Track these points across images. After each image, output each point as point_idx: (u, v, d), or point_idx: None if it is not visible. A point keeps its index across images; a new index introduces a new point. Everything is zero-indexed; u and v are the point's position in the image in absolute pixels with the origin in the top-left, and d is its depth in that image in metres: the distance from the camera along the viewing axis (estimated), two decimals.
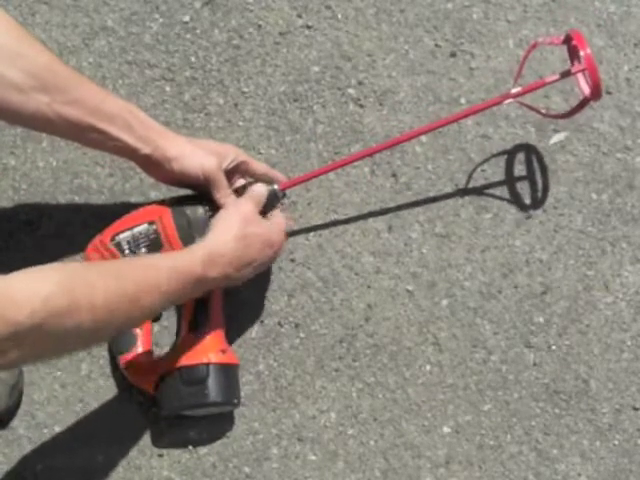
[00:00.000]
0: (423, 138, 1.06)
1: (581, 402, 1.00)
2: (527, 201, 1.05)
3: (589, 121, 1.07)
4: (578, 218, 1.05)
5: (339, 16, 1.10)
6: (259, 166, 0.97)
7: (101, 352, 1.00)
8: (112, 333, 0.79)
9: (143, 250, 0.91)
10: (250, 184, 0.95)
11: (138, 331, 0.94)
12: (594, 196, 1.05)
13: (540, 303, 1.02)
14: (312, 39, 1.09)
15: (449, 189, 1.05)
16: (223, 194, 0.91)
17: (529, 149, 1.06)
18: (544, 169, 1.06)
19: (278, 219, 0.94)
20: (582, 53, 0.92)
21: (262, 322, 1.01)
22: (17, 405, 0.98)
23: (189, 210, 0.92)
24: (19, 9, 1.09)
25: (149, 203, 0.96)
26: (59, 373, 1.00)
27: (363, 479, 0.98)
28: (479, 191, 1.05)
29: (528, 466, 0.99)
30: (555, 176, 1.06)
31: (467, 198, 1.05)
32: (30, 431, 0.98)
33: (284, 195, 0.98)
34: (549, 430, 0.99)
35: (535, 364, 1.01)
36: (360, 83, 1.08)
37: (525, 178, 1.06)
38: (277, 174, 0.99)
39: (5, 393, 0.94)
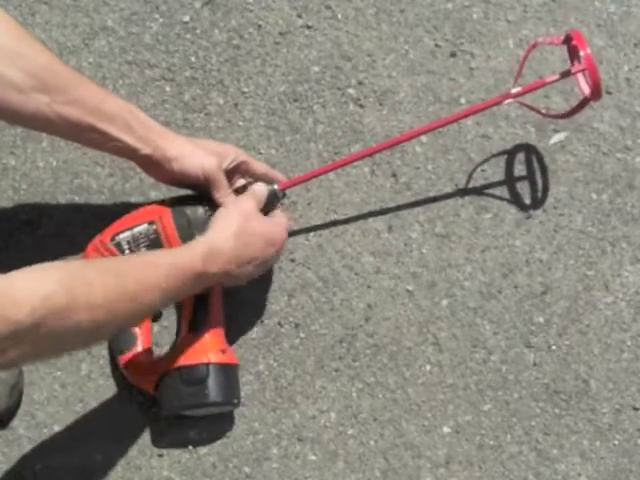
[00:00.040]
0: (423, 138, 1.06)
1: (581, 402, 1.00)
2: (527, 201, 1.05)
3: (589, 121, 1.07)
4: (578, 218, 1.05)
5: (339, 16, 1.10)
6: (259, 166, 0.97)
7: (101, 352, 1.00)
8: (112, 331, 0.79)
9: (143, 250, 0.91)
10: (250, 184, 0.95)
11: (138, 331, 0.94)
12: (594, 196, 1.05)
13: (540, 303, 1.02)
14: (312, 39, 1.09)
15: (449, 189, 1.05)
16: (223, 194, 0.91)
17: (529, 149, 1.06)
18: (544, 169, 1.06)
19: (280, 218, 0.94)
20: (582, 53, 0.92)
21: (262, 322, 1.01)
22: (17, 405, 0.98)
23: (189, 210, 0.92)
24: (19, 9, 1.09)
25: (149, 203, 0.96)
26: (59, 373, 1.00)
27: (363, 479, 0.98)
28: (479, 191, 1.05)
29: (528, 466, 0.99)
30: (555, 176, 1.06)
31: (467, 198, 1.05)
32: (30, 431, 0.98)
33: (284, 195, 0.98)
34: (549, 430, 0.99)
35: (535, 364, 1.01)
36: (360, 83, 1.08)
37: (525, 178, 1.06)
38: (277, 174, 0.99)
39: (5, 393, 0.94)
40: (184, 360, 0.91)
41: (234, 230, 0.88)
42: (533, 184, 1.06)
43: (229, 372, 0.94)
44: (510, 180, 1.06)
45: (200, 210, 0.92)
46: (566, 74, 0.95)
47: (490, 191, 1.05)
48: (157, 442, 0.98)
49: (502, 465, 0.99)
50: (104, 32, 1.09)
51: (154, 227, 0.92)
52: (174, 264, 0.81)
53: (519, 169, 1.06)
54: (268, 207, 0.94)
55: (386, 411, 0.99)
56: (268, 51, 1.09)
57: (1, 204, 1.04)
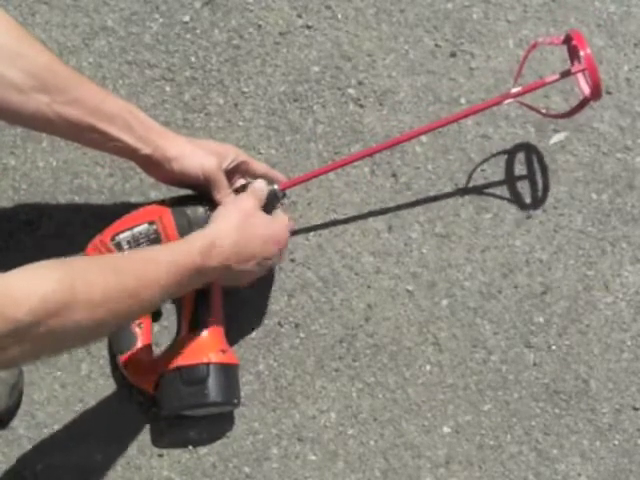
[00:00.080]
0: (423, 138, 1.06)
1: (581, 402, 1.00)
2: (527, 200, 1.05)
3: (589, 121, 1.07)
4: (578, 218, 1.05)
5: (339, 16, 1.10)
6: (259, 166, 0.97)
7: (101, 352, 1.00)
8: (112, 328, 0.78)
9: None
10: (250, 184, 0.95)
11: (138, 330, 0.94)
12: (594, 196, 1.05)
13: (540, 303, 1.02)
14: (312, 39, 1.09)
15: (449, 189, 1.05)
16: (223, 194, 0.91)
17: (529, 149, 1.06)
18: (544, 168, 1.06)
19: (281, 217, 0.94)
20: (582, 53, 0.92)
21: (262, 322, 1.01)
22: (17, 405, 0.98)
23: (189, 210, 0.92)
24: (19, 9, 1.09)
25: (149, 203, 0.96)
26: (59, 373, 1.00)
27: (363, 479, 0.98)
28: (479, 191, 1.05)
29: (528, 466, 0.99)
30: (555, 176, 1.06)
31: (467, 198, 1.05)
32: (30, 431, 0.98)
33: (284, 195, 0.98)
34: (549, 430, 0.99)
35: (535, 364, 1.01)
36: (360, 83, 1.08)
37: (525, 177, 1.06)
38: (277, 174, 0.99)
39: (5, 393, 0.94)
40: (184, 360, 0.91)
41: (234, 224, 0.87)
42: (533, 184, 1.06)
43: (229, 372, 0.94)
44: (510, 180, 1.06)
45: (200, 210, 0.92)
46: (566, 74, 0.95)
47: (490, 191, 1.05)
48: (157, 442, 0.98)
49: (502, 465, 0.99)
50: (104, 32, 1.09)
51: (154, 227, 0.92)
52: (173, 259, 0.80)
53: (519, 169, 1.06)
54: (268, 207, 0.94)
55: (386, 411, 0.99)
56: (268, 51, 1.09)
57: (1, 204, 1.04)
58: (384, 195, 1.05)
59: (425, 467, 0.98)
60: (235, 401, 0.94)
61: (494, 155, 1.06)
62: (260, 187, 0.94)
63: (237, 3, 1.10)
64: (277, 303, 1.02)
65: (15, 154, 1.05)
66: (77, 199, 1.04)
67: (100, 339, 0.93)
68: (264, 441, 0.98)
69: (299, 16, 1.10)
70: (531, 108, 1.02)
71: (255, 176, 0.97)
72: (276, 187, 0.96)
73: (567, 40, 0.96)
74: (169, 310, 1.01)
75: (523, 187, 1.06)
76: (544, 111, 1.04)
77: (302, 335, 1.01)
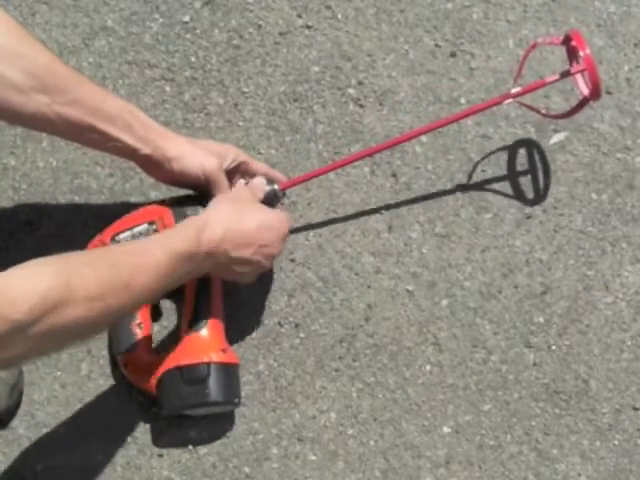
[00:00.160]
0: (423, 138, 1.06)
1: (581, 402, 1.00)
2: (529, 196, 1.05)
3: (589, 121, 1.07)
4: (578, 218, 1.05)
5: (339, 16, 1.10)
6: (259, 166, 0.97)
7: (101, 352, 1.00)
8: (112, 320, 0.78)
9: None
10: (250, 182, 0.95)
11: (138, 330, 0.94)
12: (594, 196, 1.05)
13: (540, 303, 1.02)
14: (312, 39, 1.09)
15: (449, 189, 1.05)
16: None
17: (530, 144, 1.06)
18: (545, 163, 1.06)
19: (280, 210, 0.95)
20: (581, 53, 0.92)
21: (262, 322, 1.01)
22: (17, 405, 0.98)
23: (189, 210, 0.92)
24: (19, 9, 1.09)
25: (149, 203, 0.96)
26: (59, 373, 1.00)
27: (363, 479, 0.98)
28: (479, 191, 1.05)
29: (528, 466, 0.99)
30: (555, 176, 1.06)
31: (467, 198, 1.05)
32: (30, 431, 0.98)
33: (284, 195, 0.98)
34: (549, 430, 0.99)
35: (535, 364, 1.01)
36: (360, 83, 1.08)
37: (526, 173, 1.06)
38: (277, 174, 0.99)
39: (5, 393, 0.94)
40: (185, 359, 0.91)
41: (226, 210, 0.87)
42: (534, 179, 1.06)
43: (230, 371, 0.94)
44: (511, 176, 1.06)
45: (200, 210, 0.92)
46: (566, 74, 0.95)
47: (490, 191, 1.05)
48: (157, 442, 0.98)
49: (502, 465, 0.99)
50: (104, 32, 1.09)
51: (154, 227, 0.92)
52: (167, 247, 0.80)
53: (519, 166, 1.06)
54: (268, 207, 0.94)
55: (386, 411, 0.99)
56: (268, 51, 1.09)
57: (1, 204, 1.04)
58: (384, 195, 1.05)
59: (425, 467, 0.98)
60: (236, 400, 0.94)
61: (494, 152, 1.06)
62: (259, 183, 0.94)
63: (237, 3, 1.10)
64: (277, 303, 1.02)
65: (15, 154, 1.05)
66: (77, 199, 1.04)
67: (101, 332, 0.91)
68: (264, 441, 0.98)
69: (299, 16, 1.10)
70: (531, 108, 1.02)
71: (255, 176, 0.97)
72: (276, 187, 0.96)
73: (566, 40, 0.96)
74: (169, 310, 1.01)
75: (524, 185, 1.06)
76: (544, 111, 1.04)
77: (302, 335, 1.01)
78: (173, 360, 0.92)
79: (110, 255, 0.78)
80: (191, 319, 0.94)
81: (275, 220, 0.91)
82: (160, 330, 1.00)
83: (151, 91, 1.07)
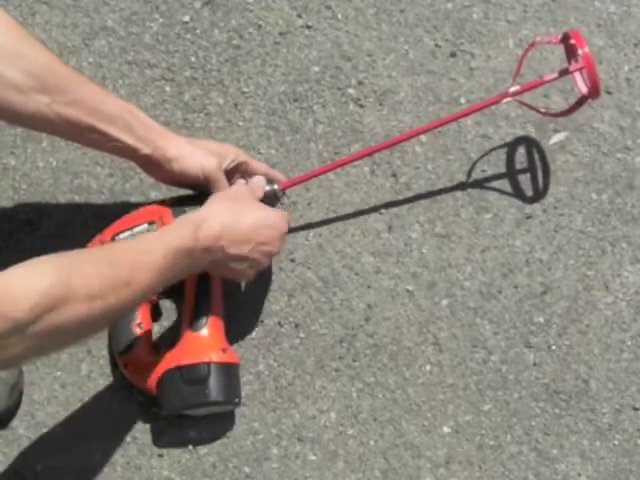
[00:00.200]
0: (423, 138, 1.06)
1: (581, 402, 1.00)
2: (529, 194, 1.05)
3: (589, 121, 1.07)
4: (578, 218, 1.05)
5: (339, 16, 1.10)
6: (259, 166, 0.97)
7: (101, 352, 1.00)
8: (112, 318, 0.77)
9: None
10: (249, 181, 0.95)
11: (138, 331, 0.94)
12: (594, 196, 1.05)
13: (540, 303, 1.02)
14: (312, 39, 1.09)
15: (449, 189, 1.05)
16: None
17: (529, 142, 1.06)
18: (544, 160, 1.06)
19: (279, 210, 0.95)
20: (580, 51, 0.92)
21: (262, 322, 1.01)
22: (17, 405, 0.98)
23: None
24: (19, 9, 1.09)
25: (149, 203, 0.96)
26: (59, 373, 1.00)
27: (363, 479, 0.98)
28: (479, 191, 1.05)
29: (528, 466, 0.99)
30: (555, 176, 1.06)
31: (467, 198, 1.05)
32: (30, 431, 0.98)
33: (284, 195, 0.98)
34: (549, 430, 0.99)
35: (535, 364, 1.01)
36: (360, 83, 1.08)
37: (525, 171, 1.06)
38: (277, 174, 0.99)
39: (5, 393, 0.94)
40: (185, 359, 0.91)
41: (223, 206, 0.87)
42: (534, 177, 1.06)
43: (230, 371, 0.94)
44: (511, 174, 1.06)
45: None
46: (564, 72, 0.95)
47: (490, 191, 1.05)
48: (157, 442, 0.98)
49: (502, 465, 0.99)
50: (104, 32, 1.09)
51: (154, 227, 0.92)
52: (166, 244, 0.80)
53: (519, 164, 1.06)
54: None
55: (386, 411, 0.99)
56: (268, 51, 1.09)
57: (1, 204, 1.04)
58: (384, 195, 1.05)
59: (425, 467, 0.98)
60: (236, 400, 0.94)
61: (494, 149, 1.06)
62: (259, 182, 0.94)
63: (237, 3, 1.10)
64: (277, 303, 1.02)
65: (15, 154, 1.05)
66: (77, 199, 1.04)
67: (101, 330, 0.91)
68: (264, 441, 0.98)
69: (299, 16, 1.10)
70: (530, 107, 1.02)
71: (255, 176, 0.97)
72: (276, 187, 0.96)
73: (565, 39, 0.96)
74: (169, 310, 1.01)
75: (523, 183, 1.06)
76: (543, 110, 1.04)
77: (302, 335, 1.01)
78: (173, 360, 0.92)
79: (110, 253, 0.78)
80: (191, 318, 0.94)
81: (273, 218, 0.91)
82: (160, 330, 1.00)
83: (151, 91, 1.07)
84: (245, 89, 1.08)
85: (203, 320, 0.93)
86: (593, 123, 1.07)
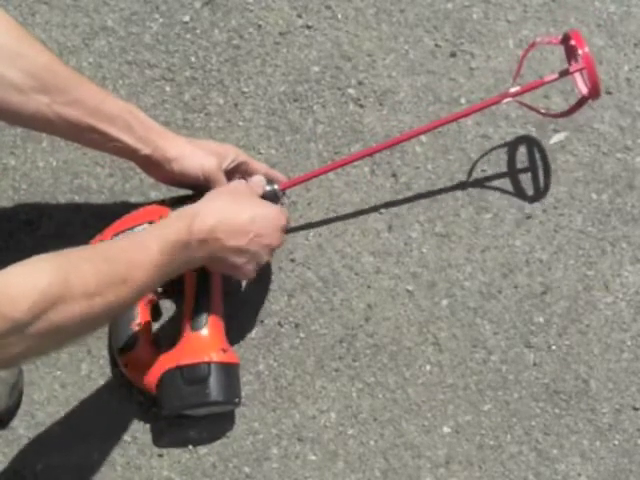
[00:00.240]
0: (423, 138, 1.06)
1: (581, 402, 1.00)
2: (529, 193, 1.05)
3: (589, 121, 1.07)
4: (578, 218, 1.05)
5: (339, 16, 1.10)
6: (259, 166, 0.97)
7: (101, 352, 1.00)
8: (111, 314, 0.77)
9: None
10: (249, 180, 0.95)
11: (138, 330, 0.94)
12: (594, 196, 1.05)
13: (540, 303, 1.02)
14: (312, 39, 1.09)
15: (449, 189, 1.05)
16: None
17: (529, 141, 1.06)
18: (545, 158, 1.06)
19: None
20: (580, 52, 0.92)
21: (262, 322, 1.01)
22: (17, 405, 0.98)
23: None
24: (19, 9, 1.09)
25: (149, 203, 0.97)
26: (59, 373, 1.00)
27: (363, 479, 0.98)
28: (479, 191, 1.05)
29: (528, 466, 0.99)
30: (555, 176, 1.06)
31: (467, 198, 1.05)
32: (30, 431, 0.98)
33: (284, 195, 0.98)
34: (549, 430, 0.99)
35: (535, 364, 1.01)
36: (360, 83, 1.08)
37: (526, 170, 1.06)
38: (277, 174, 0.99)
39: (5, 393, 0.94)
40: (185, 359, 0.91)
41: (223, 200, 0.87)
42: (534, 176, 1.06)
43: (230, 371, 0.94)
44: (511, 173, 1.06)
45: None
46: (565, 73, 0.95)
47: (490, 191, 1.05)
48: (157, 442, 0.98)
49: (502, 465, 0.99)
50: (104, 32, 1.09)
51: None
52: (162, 238, 0.80)
53: (519, 163, 1.06)
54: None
55: (386, 411, 0.99)
56: (268, 51, 1.09)
57: (1, 204, 1.04)
58: (384, 195, 1.05)
59: (425, 467, 0.98)
60: (236, 400, 0.94)
61: (494, 148, 1.06)
62: (258, 182, 0.94)
63: (237, 3, 1.10)
64: (277, 303, 1.02)
65: (15, 154, 1.05)
66: (77, 199, 1.04)
67: (101, 327, 0.91)
68: (264, 441, 0.98)
69: (299, 16, 1.10)
70: (530, 107, 1.02)
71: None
72: (276, 187, 0.96)
73: (565, 39, 0.96)
74: (169, 310, 1.01)
75: (524, 182, 1.06)
76: (543, 110, 1.04)
77: (302, 335, 1.01)
78: (173, 360, 0.92)
79: (107, 250, 0.78)
80: (191, 317, 0.94)
81: (271, 210, 0.91)
82: (160, 329, 1.00)
83: (151, 91, 1.07)
84: (245, 89, 1.08)
85: (203, 320, 0.93)
86: (593, 123, 1.07)
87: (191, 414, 0.95)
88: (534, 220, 1.04)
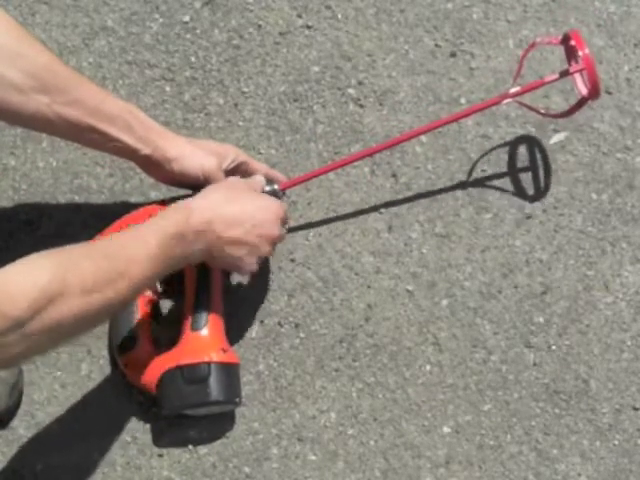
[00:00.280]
0: (423, 138, 1.06)
1: (581, 402, 1.00)
2: (530, 192, 1.05)
3: (589, 121, 1.07)
4: (578, 218, 1.05)
5: (339, 16, 1.10)
6: (259, 166, 0.97)
7: (101, 352, 1.00)
8: (111, 310, 0.77)
9: None
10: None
11: (138, 330, 0.94)
12: (594, 196, 1.05)
13: (540, 303, 1.02)
14: (312, 39, 1.09)
15: (449, 189, 1.05)
16: None
17: (529, 141, 1.06)
18: (545, 158, 1.06)
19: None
20: (580, 53, 0.92)
21: (262, 322, 1.01)
22: (17, 405, 0.98)
23: None
24: (19, 9, 1.09)
25: (149, 203, 0.97)
26: (59, 373, 1.00)
27: (363, 479, 0.98)
28: (479, 191, 1.05)
29: (528, 466, 0.99)
30: (555, 176, 1.06)
31: (467, 198, 1.05)
32: (30, 431, 0.98)
33: (284, 195, 0.98)
34: (549, 430, 0.99)
35: (535, 364, 1.01)
36: (360, 83, 1.08)
37: (526, 170, 1.06)
38: (277, 174, 0.99)
39: (5, 393, 0.94)
40: (185, 359, 0.91)
41: (220, 193, 0.87)
42: (535, 175, 1.06)
43: (230, 371, 0.94)
44: (511, 173, 1.06)
45: None
46: (565, 74, 0.95)
47: (490, 191, 1.05)
48: (157, 442, 0.98)
49: (502, 465, 0.99)
50: (104, 32, 1.09)
51: None
52: (159, 231, 0.80)
53: (520, 163, 1.06)
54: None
55: (386, 411, 0.99)
56: (268, 51, 1.09)
57: (1, 204, 1.04)
58: (384, 195, 1.05)
59: (425, 467, 0.98)
60: (236, 400, 0.94)
61: (494, 148, 1.06)
62: (258, 181, 0.94)
63: (237, 3, 1.10)
64: (277, 303, 1.02)
65: (15, 154, 1.05)
66: (77, 199, 1.04)
67: (101, 323, 0.91)
68: (264, 441, 0.98)
69: (299, 16, 1.10)
70: (530, 108, 1.02)
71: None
72: (276, 187, 0.96)
73: (565, 40, 0.96)
74: (169, 309, 1.01)
75: (524, 182, 1.06)
76: (543, 111, 1.04)
77: (302, 335, 1.01)
78: (173, 360, 0.92)
79: (105, 246, 0.78)
80: (191, 317, 0.94)
81: (269, 202, 0.91)
82: (160, 329, 1.00)
83: (151, 91, 1.07)
84: (245, 89, 1.08)
85: (203, 319, 0.93)
86: (593, 123, 1.07)
87: (191, 414, 0.95)
88: (534, 220, 1.04)
